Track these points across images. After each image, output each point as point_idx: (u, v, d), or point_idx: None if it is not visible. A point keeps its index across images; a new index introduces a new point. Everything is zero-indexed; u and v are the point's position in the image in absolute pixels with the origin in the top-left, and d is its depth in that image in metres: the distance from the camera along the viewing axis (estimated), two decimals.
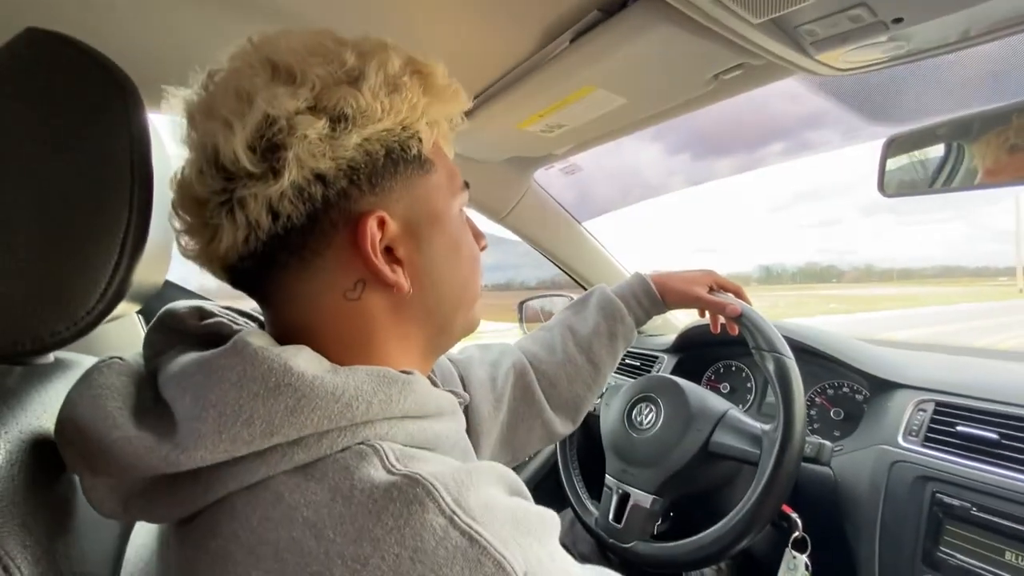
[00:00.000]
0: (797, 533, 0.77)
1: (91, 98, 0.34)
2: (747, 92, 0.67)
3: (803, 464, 0.81)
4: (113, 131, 0.34)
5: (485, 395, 0.65)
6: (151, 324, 0.38)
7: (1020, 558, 0.61)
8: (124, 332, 0.82)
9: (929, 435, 0.74)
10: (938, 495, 0.69)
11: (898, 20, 0.44)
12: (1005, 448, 0.67)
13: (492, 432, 0.65)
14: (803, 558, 0.76)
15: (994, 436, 0.69)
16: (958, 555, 0.66)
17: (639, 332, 0.78)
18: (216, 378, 0.30)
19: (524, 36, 0.62)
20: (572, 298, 1.28)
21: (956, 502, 0.67)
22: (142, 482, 0.30)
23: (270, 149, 0.32)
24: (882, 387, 0.85)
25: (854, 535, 0.77)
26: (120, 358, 0.35)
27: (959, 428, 0.72)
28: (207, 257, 0.36)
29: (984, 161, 0.58)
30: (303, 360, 0.31)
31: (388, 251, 0.36)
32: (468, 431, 0.62)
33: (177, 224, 0.36)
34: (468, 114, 0.42)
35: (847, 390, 0.94)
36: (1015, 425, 0.68)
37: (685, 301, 0.76)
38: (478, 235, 0.46)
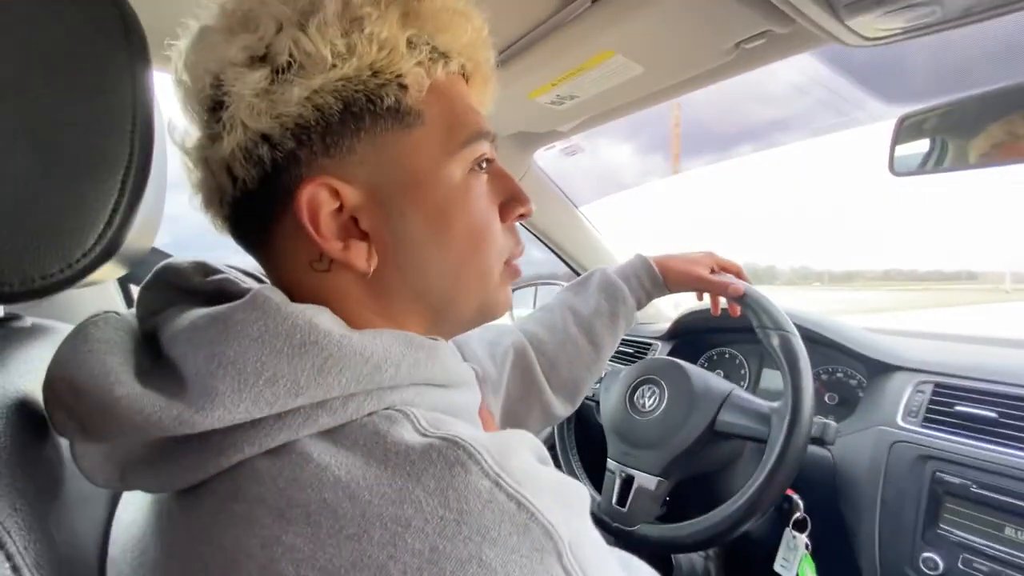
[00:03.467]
0: (798, 514, 0.77)
1: (92, 25, 0.31)
2: (766, 65, 0.67)
3: (808, 445, 0.81)
4: (114, 64, 0.31)
5: (484, 372, 0.63)
6: (145, 281, 0.34)
7: (1020, 532, 0.63)
8: (103, 302, 0.76)
9: (928, 415, 0.75)
10: (938, 474, 0.70)
11: None
12: (1003, 426, 0.69)
13: (492, 410, 0.63)
14: (803, 538, 0.77)
15: (993, 415, 0.70)
16: (958, 531, 0.67)
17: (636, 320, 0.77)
18: (235, 332, 0.27)
19: None
20: (561, 285, 1.27)
21: (956, 480, 0.68)
22: (142, 447, 0.27)
23: (214, 108, 0.30)
24: (880, 370, 0.87)
25: (853, 515, 0.78)
26: (116, 312, 0.32)
27: (958, 408, 0.73)
28: (206, 211, 0.35)
29: (1008, 138, 0.59)
30: (327, 319, 0.29)
31: (355, 222, 0.32)
32: None
33: (188, 175, 0.35)
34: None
35: (841, 375, 0.96)
36: (1013, 404, 0.70)
37: (687, 282, 0.76)
38: (517, 199, 0.38)
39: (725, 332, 1.14)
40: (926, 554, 0.68)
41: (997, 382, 0.73)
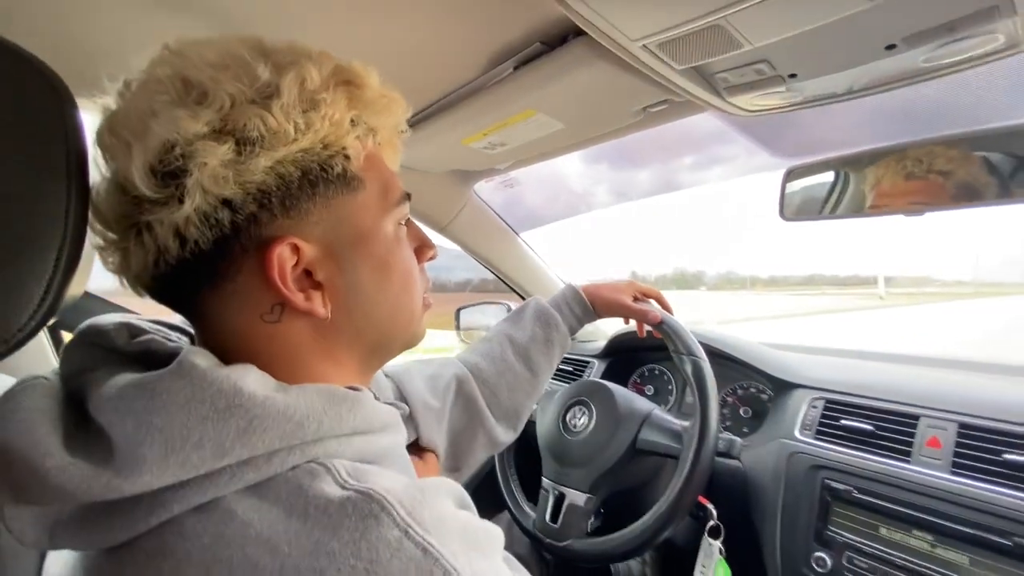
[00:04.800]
0: (712, 522, 0.85)
1: (22, 101, 0.32)
2: (671, 122, 0.75)
3: (716, 458, 0.90)
4: (48, 137, 0.32)
5: (426, 406, 0.65)
6: (72, 340, 0.36)
7: (892, 532, 0.72)
8: (30, 345, 0.75)
9: (820, 428, 0.84)
10: (826, 481, 0.78)
11: (793, 75, 0.53)
12: (879, 438, 0.79)
13: (436, 442, 0.66)
14: (717, 544, 0.84)
15: (870, 427, 0.80)
16: (843, 532, 0.75)
17: (572, 339, 0.82)
18: (161, 401, 0.28)
19: (471, 60, 0.65)
20: (507, 305, 1.32)
21: (841, 486, 0.77)
22: (71, 509, 0.28)
23: (171, 175, 0.31)
24: (783, 387, 0.96)
25: (760, 520, 0.86)
26: (45, 377, 0.33)
27: (843, 421, 0.83)
28: (125, 275, 0.35)
29: (879, 187, 0.68)
30: (252, 380, 0.31)
31: (308, 274, 0.35)
32: (415, 441, 0.64)
33: (93, 239, 0.35)
34: (412, 127, 0.42)
35: (754, 390, 1.05)
36: (885, 418, 0.80)
37: (612, 309, 0.82)
38: (427, 245, 0.45)
39: (655, 351, 1.22)
40: (817, 553, 0.76)
41: (874, 398, 0.84)
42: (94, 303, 0.80)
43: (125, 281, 0.36)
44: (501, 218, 1.23)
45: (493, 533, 0.32)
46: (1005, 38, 0.44)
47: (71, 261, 0.34)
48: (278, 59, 0.33)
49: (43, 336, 0.78)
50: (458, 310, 1.50)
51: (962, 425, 0.73)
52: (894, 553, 0.70)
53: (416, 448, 0.64)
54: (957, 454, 0.71)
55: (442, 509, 0.30)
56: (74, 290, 0.50)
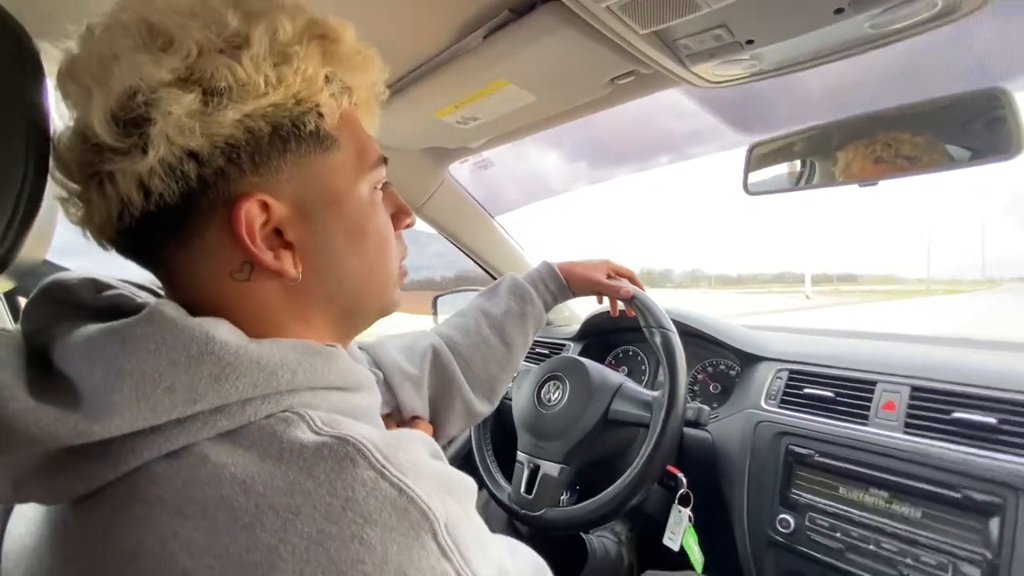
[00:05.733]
0: (682, 490, 0.87)
1: None
2: (640, 98, 0.76)
3: (686, 429, 0.92)
4: (3, 81, 0.32)
5: (403, 374, 0.65)
6: (32, 296, 0.34)
7: (849, 491, 0.75)
8: None
9: (784, 398, 0.88)
10: (790, 446, 0.82)
11: (750, 41, 0.55)
12: (838, 404, 0.82)
13: (416, 409, 0.66)
14: (687, 511, 0.86)
15: (831, 395, 0.83)
16: (806, 494, 0.79)
17: (548, 324, 0.83)
18: (132, 347, 0.28)
19: (440, 29, 0.66)
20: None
21: (804, 451, 0.80)
22: (36, 459, 0.27)
23: (133, 123, 0.30)
24: (750, 360, 0.99)
25: (728, 487, 0.89)
26: (4, 329, 0.33)
27: (806, 390, 0.86)
28: (88, 228, 0.34)
29: (850, 167, 0.71)
30: (224, 330, 0.31)
31: (278, 233, 0.34)
32: (394, 409, 0.64)
33: (55, 190, 0.34)
34: (384, 101, 0.41)
35: (723, 367, 1.08)
36: (844, 384, 0.84)
37: (587, 286, 0.83)
38: (404, 212, 0.45)
39: (628, 332, 1.25)
40: (782, 516, 0.79)
41: (834, 367, 0.87)
42: (54, 270, 0.78)
43: (89, 234, 0.35)
44: (476, 200, 1.24)
45: (467, 483, 0.32)
46: (943, 3, 0.46)
47: (30, 206, 0.33)
48: (249, 8, 0.32)
49: (1, 303, 0.76)
50: (435, 298, 1.50)
51: (914, 388, 0.77)
52: (852, 511, 0.74)
53: (402, 421, 0.64)
54: (910, 415, 0.75)
55: (417, 455, 0.30)
56: (34, 253, 0.49)
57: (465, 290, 1.49)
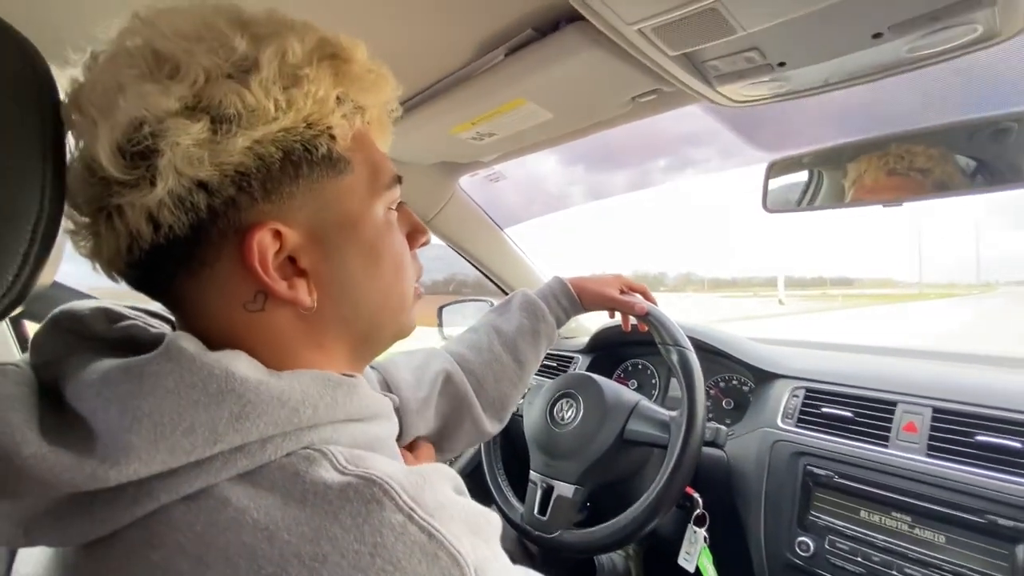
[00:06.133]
0: (698, 511, 0.86)
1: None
2: (661, 114, 0.75)
3: (703, 448, 0.91)
4: (22, 107, 0.31)
5: (411, 396, 0.64)
6: (43, 326, 0.34)
7: (871, 514, 0.74)
8: None
9: (801, 416, 0.87)
10: (808, 467, 0.81)
11: (782, 63, 0.54)
12: (857, 424, 0.81)
13: (419, 431, 0.65)
14: (702, 532, 0.85)
15: (849, 414, 0.82)
16: (825, 517, 0.78)
17: (559, 333, 0.82)
18: (149, 385, 0.27)
19: (461, 46, 0.65)
20: (490, 302, 1.32)
21: (823, 472, 0.79)
22: (47, 503, 0.27)
23: (141, 155, 0.29)
24: (764, 377, 0.98)
25: (744, 508, 0.88)
26: (15, 364, 0.31)
27: (824, 409, 0.85)
28: (97, 260, 0.34)
29: (862, 182, 0.71)
30: (243, 365, 0.30)
31: (291, 261, 0.33)
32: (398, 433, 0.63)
33: (64, 223, 0.33)
34: (399, 117, 0.40)
35: (736, 382, 1.07)
36: (864, 404, 0.83)
37: (599, 302, 0.82)
38: (419, 231, 0.44)
39: (638, 345, 1.23)
40: (800, 538, 0.78)
41: (853, 386, 0.86)
42: (64, 293, 0.77)
43: (99, 266, 0.34)
44: (486, 213, 1.23)
45: (492, 520, 0.32)
46: (983, 28, 0.45)
47: (47, 237, 0.32)
48: (257, 30, 0.31)
49: (5, 328, 0.74)
50: (440, 308, 1.49)
51: (936, 410, 0.76)
52: (874, 535, 0.73)
53: (403, 442, 0.63)
54: (932, 437, 0.74)
55: (443, 494, 0.29)
56: (44, 279, 0.48)
57: (470, 300, 1.48)
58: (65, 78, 0.33)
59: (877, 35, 0.47)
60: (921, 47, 0.48)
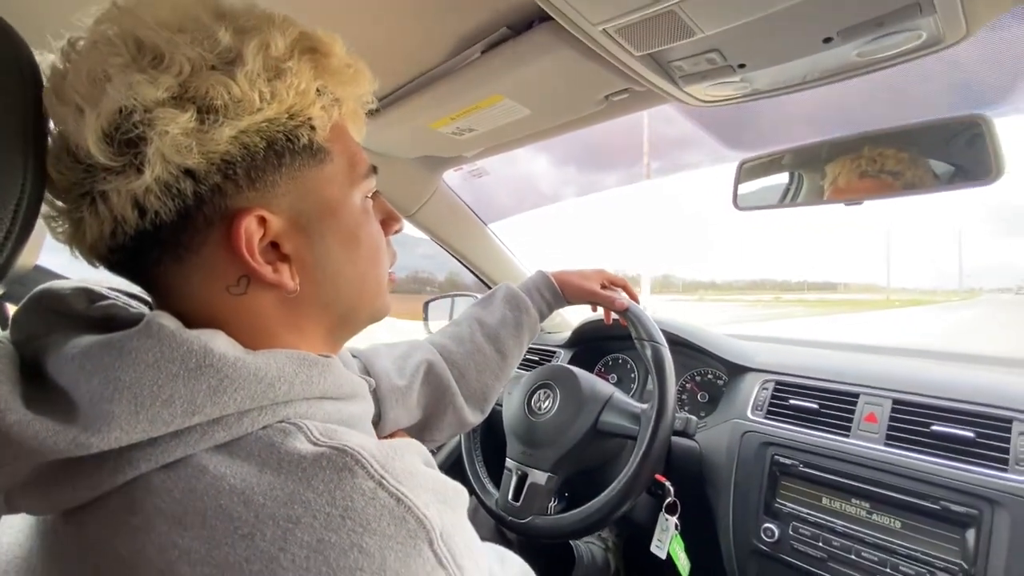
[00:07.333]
0: (669, 499, 0.88)
1: None
2: (634, 113, 0.78)
3: (674, 437, 0.94)
4: (5, 92, 0.32)
5: (389, 383, 0.65)
6: (24, 304, 0.35)
7: (832, 501, 0.77)
8: None
9: (771, 408, 0.89)
10: (775, 456, 0.83)
11: (742, 65, 0.56)
12: (823, 415, 0.84)
13: (400, 421, 0.66)
14: (673, 519, 0.88)
15: (815, 406, 0.85)
16: (789, 504, 0.80)
17: (541, 327, 0.84)
18: (130, 359, 0.28)
19: (438, 43, 0.67)
20: (476, 296, 1.33)
21: (788, 461, 0.82)
22: (28, 470, 0.27)
23: (129, 143, 0.30)
24: (737, 371, 1.01)
25: (714, 496, 0.90)
26: None
27: (791, 401, 0.88)
28: (77, 246, 0.34)
29: (836, 182, 0.73)
30: (221, 342, 0.31)
31: (274, 246, 0.35)
32: (376, 420, 0.64)
33: (44, 207, 0.34)
34: (380, 110, 0.42)
35: (711, 376, 1.10)
36: (829, 396, 0.85)
37: (581, 295, 0.84)
38: (393, 218, 0.45)
39: (618, 340, 1.26)
40: (766, 525, 0.80)
41: (819, 379, 0.89)
42: (45, 277, 0.77)
43: (77, 251, 0.35)
44: (469, 207, 1.25)
45: (460, 491, 0.33)
46: (927, 35, 0.48)
47: (28, 217, 0.33)
48: (239, 23, 0.32)
49: None
50: (426, 303, 1.50)
51: (896, 401, 0.79)
52: (835, 521, 0.75)
53: (384, 433, 0.65)
54: (891, 427, 0.77)
55: (413, 464, 0.31)
56: (25, 260, 0.49)
57: (455, 295, 1.49)
58: (45, 64, 0.33)
59: (828, 39, 0.50)
60: (869, 52, 0.50)
